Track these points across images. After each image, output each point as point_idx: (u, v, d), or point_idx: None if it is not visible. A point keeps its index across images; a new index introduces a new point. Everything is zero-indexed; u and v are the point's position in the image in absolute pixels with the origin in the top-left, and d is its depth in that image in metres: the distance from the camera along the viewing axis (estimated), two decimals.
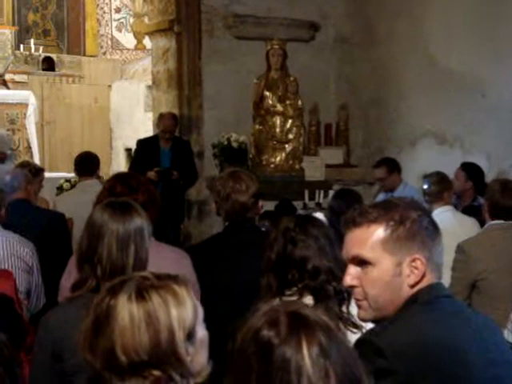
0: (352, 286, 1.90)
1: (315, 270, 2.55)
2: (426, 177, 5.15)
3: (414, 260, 1.85)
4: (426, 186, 5.01)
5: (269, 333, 1.33)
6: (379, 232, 1.86)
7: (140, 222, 2.54)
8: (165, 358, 1.56)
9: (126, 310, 1.57)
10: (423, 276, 1.85)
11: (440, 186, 5.05)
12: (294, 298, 2.55)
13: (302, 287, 2.57)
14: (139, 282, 1.62)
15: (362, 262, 1.87)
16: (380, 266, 1.85)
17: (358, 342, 1.82)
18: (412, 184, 6.73)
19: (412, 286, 1.85)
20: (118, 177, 3.39)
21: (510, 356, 1.91)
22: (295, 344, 1.31)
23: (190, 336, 1.60)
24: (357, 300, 1.90)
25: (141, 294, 1.59)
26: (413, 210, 1.89)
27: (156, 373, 1.55)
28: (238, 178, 3.49)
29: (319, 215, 2.88)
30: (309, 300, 2.54)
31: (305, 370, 1.29)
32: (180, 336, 1.57)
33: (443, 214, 4.82)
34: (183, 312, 1.59)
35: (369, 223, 1.87)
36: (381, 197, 6.92)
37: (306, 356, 1.30)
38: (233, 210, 3.45)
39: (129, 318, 1.56)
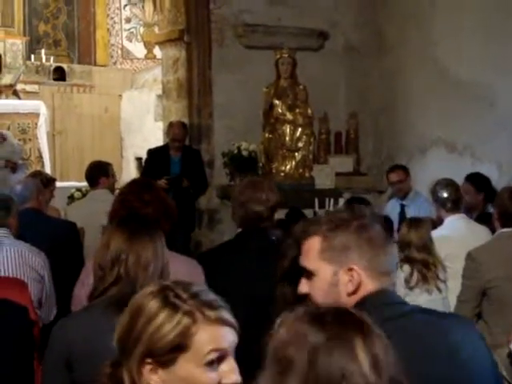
0: (306, 294, 1.96)
1: None
2: (444, 185, 5.04)
3: (349, 269, 1.89)
4: (446, 194, 4.92)
5: (315, 333, 1.32)
6: (317, 243, 1.93)
7: (155, 244, 2.55)
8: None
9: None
10: (359, 285, 1.89)
11: (459, 194, 5.02)
12: None
13: None
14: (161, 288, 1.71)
15: (307, 273, 1.95)
16: (320, 275, 1.92)
17: None
18: (421, 192, 6.74)
19: (349, 295, 1.90)
20: (132, 187, 3.38)
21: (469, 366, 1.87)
22: (346, 345, 1.30)
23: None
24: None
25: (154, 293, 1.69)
26: (355, 220, 1.93)
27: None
28: (259, 187, 3.48)
29: None
30: None
31: (356, 373, 1.28)
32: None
33: (456, 222, 4.79)
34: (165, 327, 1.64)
35: (311, 235, 1.95)
36: (392, 203, 6.94)
37: (361, 358, 1.30)
38: (246, 217, 3.45)
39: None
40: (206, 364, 1.60)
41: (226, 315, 1.64)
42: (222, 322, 1.62)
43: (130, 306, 1.68)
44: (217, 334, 1.61)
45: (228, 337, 1.62)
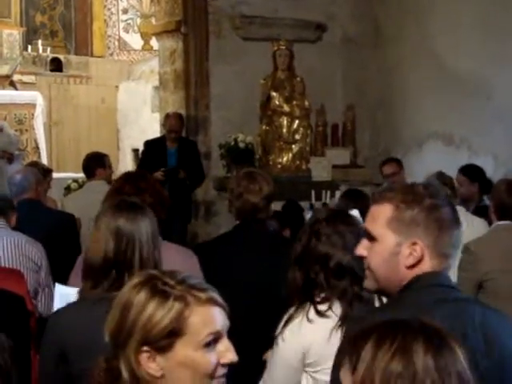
0: (362, 256, 2.02)
1: (338, 268, 2.53)
2: (438, 174, 5.03)
3: (413, 244, 1.93)
4: (441, 183, 4.91)
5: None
6: (388, 210, 1.96)
7: (153, 222, 2.56)
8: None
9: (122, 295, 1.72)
10: (420, 261, 1.93)
11: (454, 183, 5.02)
12: (325, 307, 2.54)
13: (331, 292, 2.55)
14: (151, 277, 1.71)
15: (370, 236, 1.99)
16: (382, 242, 1.96)
17: (357, 318, 1.94)
18: None
19: (408, 268, 1.94)
20: (127, 177, 3.38)
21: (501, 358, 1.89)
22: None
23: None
24: (365, 270, 2.03)
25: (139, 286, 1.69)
26: (429, 198, 1.96)
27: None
28: (253, 178, 3.49)
29: (355, 213, 2.83)
30: (336, 308, 2.53)
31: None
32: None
33: None
34: (157, 313, 1.64)
35: (383, 201, 1.99)
36: None
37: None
38: (243, 209, 3.46)
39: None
40: (203, 346, 1.62)
41: (216, 295, 1.66)
42: (214, 302, 1.65)
43: (118, 300, 1.69)
44: (210, 315, 1.64)
45: (221, 317, 1.65)
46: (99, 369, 1.68)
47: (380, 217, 1.97)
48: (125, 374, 1.64)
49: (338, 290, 2.53)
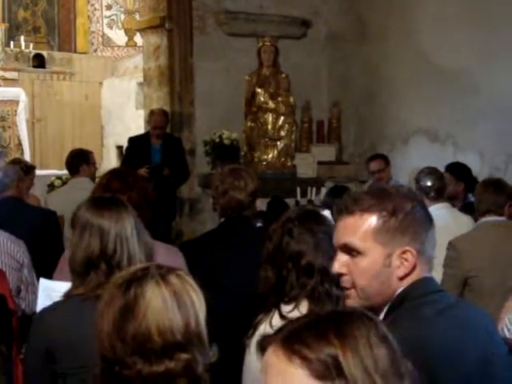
0: (340, 274, 1.85)
1: (309, 267, 2.51)
2: (427, 173, 5.03)
3: (404, 252, 1.80)
4: (429, 183, 4.91)
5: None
6: (371, 222, 1.81)
7: (133, 218, 2.54)
8: (193, 339, 1.65)
9: (158, 293, 1.66)
10: (413, 268, 1.81)
11: (443, 183, 5.01)
12: (290, 307, 2.51)
13: (300, 291, 2.53)
14: (158, 269, 1.72)
15: (351, 251, 1.82)
16: (370, 256, 1.80)
17: None
18: (402, 181, 6.74)
19: (401, 278, 1.81)
20: (115, 173, 3.36)
21: (501, 349, 1.90)
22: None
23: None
24: (344, 288, 1.86)
25: (166, 279, 1.68)
26: (407, 201, 1.84)
27: (184, 356, 1.63)
28: (238, 175, 3.47)
29: (326, 213, 2.80)
30: (303, 307, 2.51)
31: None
32: (203, 319, 1.67)
33: (439, 211, 4.78)
34: (200, 297, 1.69)
35: (362, 212, 1.82)
36: None
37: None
38: (229, 206, 3.44)
39: (161, 300, 1.65)
40: None
41: None
42: None
43: (171, 298, 1.68)
44: None
45: None
46: (173, 368, 1.64)
47: (361, 229, 1.81)
48: (201, 367, 1.65)
49: (307, 289, 2.51)
